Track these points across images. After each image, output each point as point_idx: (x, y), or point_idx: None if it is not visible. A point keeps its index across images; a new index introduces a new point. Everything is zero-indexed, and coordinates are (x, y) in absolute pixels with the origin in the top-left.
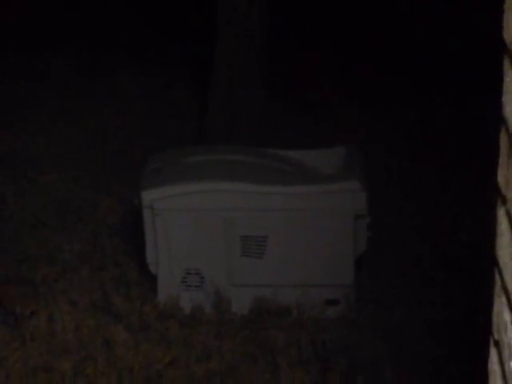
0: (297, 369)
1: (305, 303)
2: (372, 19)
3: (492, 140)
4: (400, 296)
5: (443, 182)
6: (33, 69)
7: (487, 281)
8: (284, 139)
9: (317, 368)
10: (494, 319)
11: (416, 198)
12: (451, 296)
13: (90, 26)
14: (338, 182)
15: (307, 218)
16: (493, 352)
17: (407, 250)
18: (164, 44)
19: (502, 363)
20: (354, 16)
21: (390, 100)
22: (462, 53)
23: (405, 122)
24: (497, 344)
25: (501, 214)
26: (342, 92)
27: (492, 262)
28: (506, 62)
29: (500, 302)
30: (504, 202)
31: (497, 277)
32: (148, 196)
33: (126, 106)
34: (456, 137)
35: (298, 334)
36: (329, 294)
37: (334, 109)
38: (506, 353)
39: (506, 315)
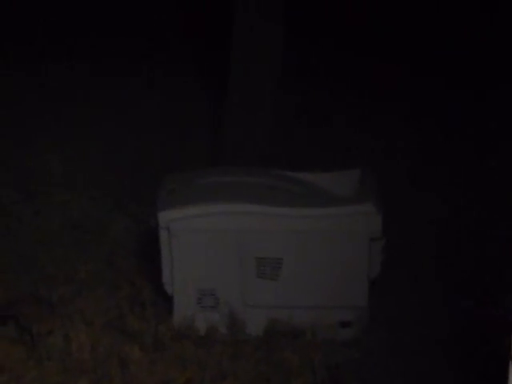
0: None
1: (319, 325)
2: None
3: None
4: (413, 318)
5: (457, 205)
6: (47, 86)
7: (502, 301)
8: (299, 161)
9: None
10: None
11: (430, 220)
12: (465, 319)
13: (101, 38)
14: (352, 204)
15: (322, 241)
16: None
17: (421, 272)
18: (179, 60)
19: None
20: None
21: (403, 119)
22: (475, 53)
23: (422, 142)
24: None
25: None
26: (356, 112)
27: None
28: None
29: None
30: None
31: None
32: (165, 217)
33: (140, 127)
34: (471, 154)
35: (312, 355)
36: (342, 316)
37: (348, 130)
38: None
39: None
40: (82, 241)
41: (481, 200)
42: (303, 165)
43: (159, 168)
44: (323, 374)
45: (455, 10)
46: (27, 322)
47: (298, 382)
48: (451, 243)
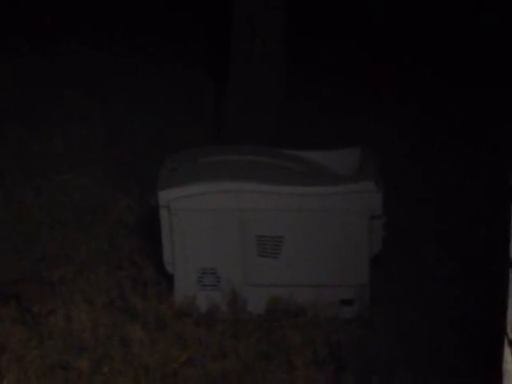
0: (312, 368)
1: (320, 303)
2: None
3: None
4: (415, 296)
5: (460, 182)
6: (50, 69)
7: (504, 281)
8: (301, 139)
9: (332, 368)
10: (509, 319)
11: (433, 198)
12: (467, 296)
13: (106, 26)
14: (353, 182)
15: (322, 219)
16: (507, 351)
17: (423, 250)
18: (182, 42)
19: None
20: (375, 13)
21: (405, 99)
22: (478, 47)
23: (422, 123)
24: (511, 344)
25: None
26: (358, 91)
27: (506, 263)
28: None
29: None
30: None
31: (511, 277)
32: (165, 196)
33: (143, 106)
34: (473, 136)
35: (314, 333)
36: (344, 294)
37: (350, 109)
38: None
39: None
40: (84, 220)
41: (482, 181)
42: (305, 143)
43: (163, 148)
44: (324, 352)
45: (456, 9)
46: (28, 302)
47: (300, 360)
48: (452, 222)
